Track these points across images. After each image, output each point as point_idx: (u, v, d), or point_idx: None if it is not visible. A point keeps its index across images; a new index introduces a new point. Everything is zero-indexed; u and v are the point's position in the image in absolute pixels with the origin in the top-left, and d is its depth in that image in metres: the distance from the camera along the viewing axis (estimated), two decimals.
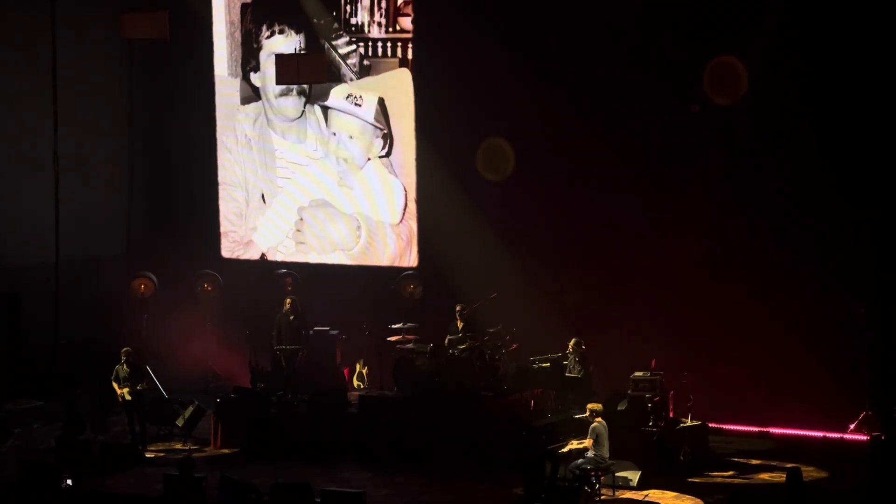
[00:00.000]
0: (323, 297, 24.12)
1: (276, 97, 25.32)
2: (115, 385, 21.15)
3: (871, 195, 20.77)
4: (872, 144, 20.65)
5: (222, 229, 25.92)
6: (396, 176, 24.44)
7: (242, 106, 25.62)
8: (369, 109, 24.58)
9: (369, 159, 24.70)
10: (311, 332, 23.31)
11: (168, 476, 17.23)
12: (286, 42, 25.05)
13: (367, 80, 24.48)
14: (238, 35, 25.47)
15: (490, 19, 23.03)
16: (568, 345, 20.64)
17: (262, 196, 25.61)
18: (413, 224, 24.36)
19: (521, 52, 22.88)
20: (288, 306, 22.85)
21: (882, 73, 20.54)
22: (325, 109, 24.85)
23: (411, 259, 24.50)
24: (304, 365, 22.75)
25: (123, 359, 21.24)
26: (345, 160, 24.87)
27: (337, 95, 24.72)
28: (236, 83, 25.58)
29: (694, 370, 20.43)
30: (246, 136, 25.66)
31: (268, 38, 25.24)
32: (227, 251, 25.96)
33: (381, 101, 24.42)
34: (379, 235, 24.73)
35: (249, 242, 25.83)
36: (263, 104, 25.48)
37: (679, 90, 21.88)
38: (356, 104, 24.60)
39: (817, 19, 20.69)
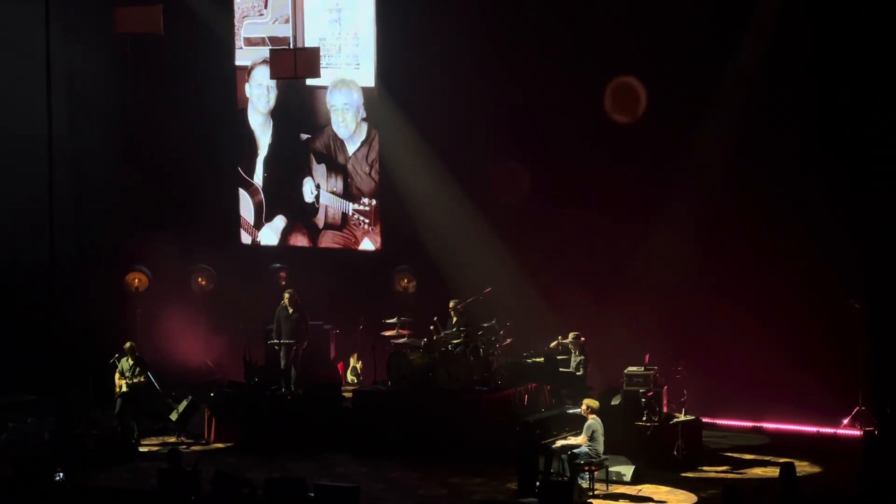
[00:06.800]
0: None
1: None
2: (117, 376, 21.12)
3: (866, 191, 20.78)
4: (867, 142, 20.69)
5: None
6: None
7: None
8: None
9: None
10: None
11: (161, 470, 17.21)
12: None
13: None
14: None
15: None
16: (565, 337, 20.61)
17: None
18: None
19: (515, 52, 22.99)
20: (287, 300, 22.78)
21: (880, 72, 20.57)
22: None
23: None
24: (303, 359, 22.71)
25: (128, 352, 21.15)
26: None
27: None
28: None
29: (688, 365, 20.44)
30: None
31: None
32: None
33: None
34: None
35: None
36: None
37: (677, 88, 21.91)
38: None
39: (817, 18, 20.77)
